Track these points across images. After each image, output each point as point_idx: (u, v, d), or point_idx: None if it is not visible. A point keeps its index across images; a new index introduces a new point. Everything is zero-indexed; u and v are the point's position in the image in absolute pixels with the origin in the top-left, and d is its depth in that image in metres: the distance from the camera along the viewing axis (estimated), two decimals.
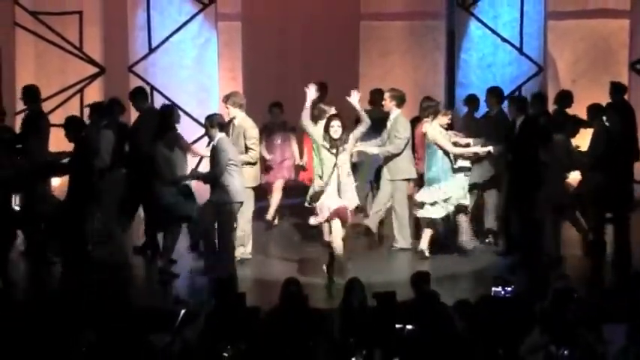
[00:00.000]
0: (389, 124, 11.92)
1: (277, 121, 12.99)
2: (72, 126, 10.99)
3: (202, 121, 14.07)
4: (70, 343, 8.02)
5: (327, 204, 10.61)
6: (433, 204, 11.50)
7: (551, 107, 12.86)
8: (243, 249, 11.45)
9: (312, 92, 10.74)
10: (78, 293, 9.68)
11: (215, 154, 10.65)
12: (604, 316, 8.44)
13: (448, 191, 11.47)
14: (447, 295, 9.04)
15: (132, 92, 12.32)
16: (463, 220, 11.64)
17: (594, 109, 11.77)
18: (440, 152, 11.46)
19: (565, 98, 12.71)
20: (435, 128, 11.59)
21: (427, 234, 11.66)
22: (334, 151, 10.64)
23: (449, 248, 11.85)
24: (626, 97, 13.92)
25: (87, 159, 10.86)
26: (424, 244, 11.64)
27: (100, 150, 11.17)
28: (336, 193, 10.61)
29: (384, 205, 12.02)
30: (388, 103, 11.97)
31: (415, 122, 12.60)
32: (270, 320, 8.47)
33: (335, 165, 10.64)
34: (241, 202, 10.83)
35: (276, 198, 13.17)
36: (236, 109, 11.43)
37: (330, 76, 13.80)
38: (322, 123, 11.54)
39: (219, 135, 10.72)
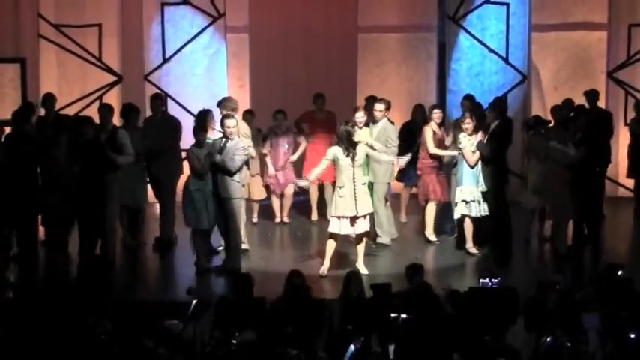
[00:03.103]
0: (375, 130, 11.82)
1: (281, 127, 12.95)
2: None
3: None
4: (89, 332, 8.02)
5: (358, 221, 10.65)
6: (456, 204, 11.47)
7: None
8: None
9: None
10: (94, 284, 9.68)
11: (235, 152, 10.68)
12: (583, 305, 8.43)
13: (464, 194, 11.41)
14: (438, 285, 9.06)
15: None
16: (467, 227, 11.52)
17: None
18: (460, 157, 11.47)
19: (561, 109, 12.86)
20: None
21: (468, 232, 11.51)
22: (350, 158, 10.62)
23: (441, 243, 11.90)
24: (604, 102, 14.04)
25: (93, 158, 10.93)
26: (468, 242, 11.53)
27: (125, 147, 11.20)
28: (354, 206, 10.62)
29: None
30: (382, 116, 11.88)
31: (408, 126, 12.59)
32: (275, 309, 8.48)
33: (353, 174, 10.63)
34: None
35: (288, 201, 13.18)
36: (229, 113, 11.43)
37: (330, 84, 13.81)
38: None
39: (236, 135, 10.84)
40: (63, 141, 10.94)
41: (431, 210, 12.01)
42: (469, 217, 11.39)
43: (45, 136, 11.12)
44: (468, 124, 11.40)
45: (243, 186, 11.45)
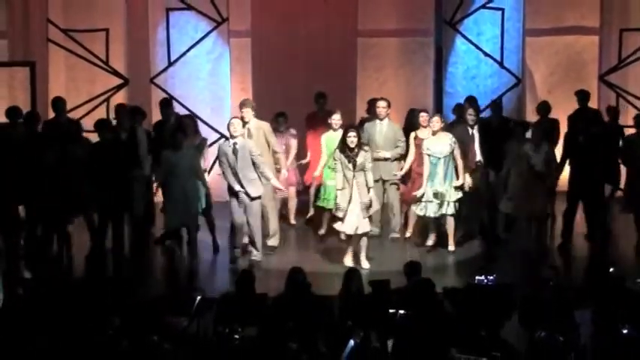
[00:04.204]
0: (383, 128, 11.86)
1: (281, 129, 12.81)
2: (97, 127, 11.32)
3: (216, 127, 14.30)
4: (98, 327, 8.03)
5: (357, 221, 10.75)
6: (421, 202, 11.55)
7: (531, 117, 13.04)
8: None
9: None
10: (105, 281, 9.70)
11: (251, 154, 10.86)
12: (576, 302, 8.44)
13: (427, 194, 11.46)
14: (435, 283, 9.05)
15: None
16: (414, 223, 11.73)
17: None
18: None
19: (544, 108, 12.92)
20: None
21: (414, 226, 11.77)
22: (351, 162, 10.68)
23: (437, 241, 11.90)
24: (595, 105, 14.03)
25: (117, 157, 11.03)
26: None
27: (142, 144, 11.48)
28: (358, 207, 10.73)
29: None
30: (385, 112, 11.90)
31: (408, 130, 12.54)
32: (277, 305, 8.48)
33: (353, 177, 10.70)
34: None
35: (293, 203, 13.04)
36: (252, 113, 11.51)
37: (330, 87, 13.78)
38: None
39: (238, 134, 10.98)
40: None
41: (411, 214, 12.06)
42: (425, 215, 11.48)
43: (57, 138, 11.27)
44: (437, 121, 11.41)
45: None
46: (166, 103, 12.69)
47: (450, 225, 11.50)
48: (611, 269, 8.88)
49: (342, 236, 11.53)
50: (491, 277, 8.81)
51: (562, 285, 8.84)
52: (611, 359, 7.49)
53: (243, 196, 10.87)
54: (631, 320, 7.82)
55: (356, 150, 10.72)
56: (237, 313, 8.27)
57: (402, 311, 8.09)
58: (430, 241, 11.65)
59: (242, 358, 7.75)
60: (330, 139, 11.70)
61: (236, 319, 8.15)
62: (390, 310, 8.13)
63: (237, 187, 10.84)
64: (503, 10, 14.76)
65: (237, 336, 7.96)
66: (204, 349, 7.97)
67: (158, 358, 7.71)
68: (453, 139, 11.41)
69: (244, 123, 11.34)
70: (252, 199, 10.87)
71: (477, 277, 8.90)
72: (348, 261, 10.91)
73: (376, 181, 11.60)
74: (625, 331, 7.72)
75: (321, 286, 9.84)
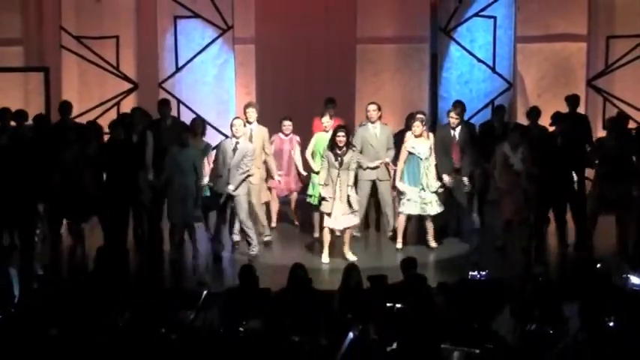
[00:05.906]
0: (377, 130, 11.86)
1: (287, 132, 12.60)
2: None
3: (221, 129, 14.32)
4: (109, 321, 8.05)
5: (339, 217, 10.88)
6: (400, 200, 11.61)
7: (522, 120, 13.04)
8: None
9: None
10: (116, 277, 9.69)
11: (246, 155, 11.06)
12: (564, 296, 8.47)
13: (408, 193, 11.44)
14: (430, 278, 9.08)
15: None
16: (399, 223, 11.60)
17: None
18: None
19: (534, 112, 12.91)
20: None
21: (400, 228, 11.65)
22: (337, 160, 10.76)
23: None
24: (583, 109, 14.04)
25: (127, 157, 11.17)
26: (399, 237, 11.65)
27: (148, 146, 11.49)
28: (345, 204, 10.87)
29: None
30: (377, 115, 11.88)
31: (401, 134, 12.50)
32: (279, 300, 8.50)
33: (338, 175, 10.81)
34: None
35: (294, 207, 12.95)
36: (256, 115, 11.70)
37: (330, 91, 13.78)
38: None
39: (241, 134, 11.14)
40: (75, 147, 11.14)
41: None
42: (404, 214, 11.45)
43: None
44: (418, 126, 11.42)
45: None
46: (164, 103, 12.48)
47: (430, 223, 11.52)
48: (598, 265, 8.91)
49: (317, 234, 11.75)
50: (484, 273, 8.83)
51: (551, 280, 8.88)
52: (597, 350, 7.51)
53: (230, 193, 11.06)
54: (616, 313, 7.86)
55: (344, 149, 10.85)
56: (242, 307, 8.29)
57: (398, 305, 8.11)
58: (399, 244, 11.60)
59: (246, 350, 7.77)
60: (320, 139, 11.79)
61: (241, 313, 8.17)
62: (387, 304, 8.14)
63: (228, 187, 11.00)
64: (495, 18, 14.77)
65: (241, 329, 7.98)
66: (210, 342, 7.99)
67: (166, 351, 7.73)
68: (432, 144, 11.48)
69: (247, 123, 11.57)
70: (234, 195, 11.07)
71: (470, 273, 8.92)
72: (325, 258, 11.00)
73: (372, 181, 11.66)
74: (610, 324, 7.76)
75: (322, 282, 9.89)
